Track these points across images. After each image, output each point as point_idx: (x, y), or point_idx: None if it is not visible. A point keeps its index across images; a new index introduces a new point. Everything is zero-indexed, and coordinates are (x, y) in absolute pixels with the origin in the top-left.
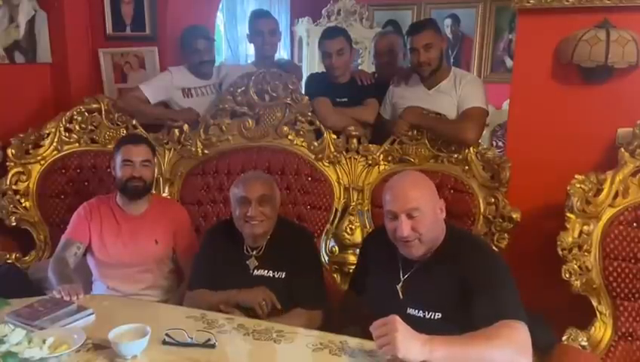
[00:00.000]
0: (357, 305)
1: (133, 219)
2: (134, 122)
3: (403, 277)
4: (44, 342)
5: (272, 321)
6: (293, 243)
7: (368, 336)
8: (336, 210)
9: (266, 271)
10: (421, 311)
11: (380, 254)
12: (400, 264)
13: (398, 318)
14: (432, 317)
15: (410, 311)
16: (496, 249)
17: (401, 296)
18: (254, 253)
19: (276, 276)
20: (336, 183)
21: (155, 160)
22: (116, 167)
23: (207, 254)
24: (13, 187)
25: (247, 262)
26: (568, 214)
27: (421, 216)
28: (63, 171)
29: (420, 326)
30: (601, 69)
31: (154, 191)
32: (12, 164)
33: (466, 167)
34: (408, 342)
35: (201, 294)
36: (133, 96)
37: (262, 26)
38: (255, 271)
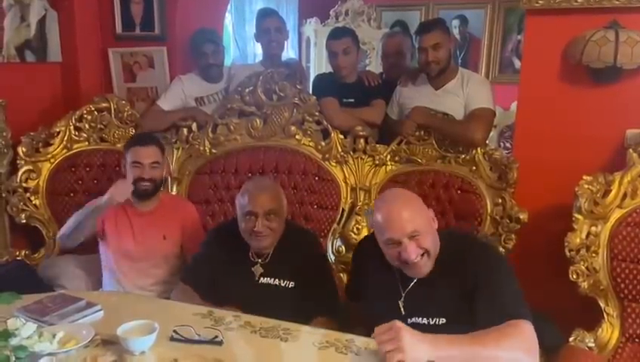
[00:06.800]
0: (356, 310)
1: (144, 215)
2: None
3: (404, 292)
4: (53, 336)
5: None
6: (301, 250)
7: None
8: (343, 209)
9: (273, 280)
10: (425, 319)
11: (375, 270)
12: (398, 279)
13: (400, 323)
14: (437, 322)
15: (414, 319)
16: (503, 249)
17: (403, 312)
18: (260, 260)
19: (283, 285)
20: (343, 183)
21: (165, 158)
22: (126, 166)
23: (208, 254)
24: (24, 185)
25: (253, 269)
26: (576, 215)
27: (422, 234)
28: (73, 169)
29: (424, 332)
30: (610, 70)
31: (162, 189)
32: (22, 162)
33: (474, 168)
34: (415, 345)
35: (185, 292)
36: (153, 110)
37: (268, 24)
38: (261, 278)
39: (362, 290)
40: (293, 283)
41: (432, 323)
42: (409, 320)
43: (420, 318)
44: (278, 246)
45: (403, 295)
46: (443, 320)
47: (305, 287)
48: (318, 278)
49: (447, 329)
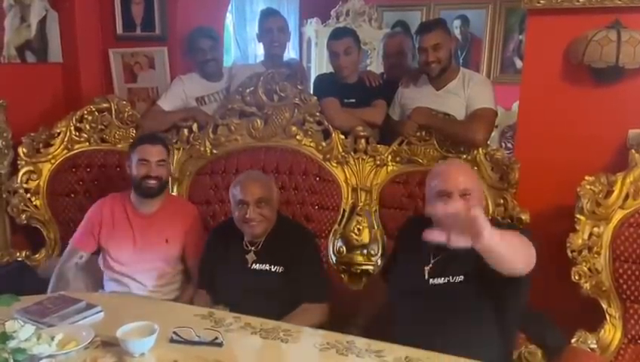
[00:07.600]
0: (382, 291)
1: (145, 218)
2: None
3: (433, 259)
4: (52, 338)
5: (283, 320)
6: (292, 238)
7: (374, 336)
8: (344, 210)
9: (264, 265)
10: (444, 279)
11: (412, 239)
12: (432, 248)
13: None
14: (455, 280)
15: (434, 281)
16: None
17: (426, 276)
18: (253, 248)
19: (273, 269)
20: (344, 183)
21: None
22: (132, 165)
23: (210, 253)
24: (24, 185)
25: (247, 257)
26: (578, 216)
27: (473, 198)
28: (73, 170)
29: (442, 289)
30: (612, 70)
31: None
32: (23, 162)
33: (475, 168)
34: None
35: (201, 296)
36: (154, 110)
37: (271, 24)
38: (253, 265)
39: (398, 255)
40: (282, 268)
41: (451, 281)
42: (430, 281)
43: (441, 278)
44: (271, 236)
45: (432, 262)
46: (461, 278)
47: (293, 272)
48: (307, 265)
49: (465, 286)
